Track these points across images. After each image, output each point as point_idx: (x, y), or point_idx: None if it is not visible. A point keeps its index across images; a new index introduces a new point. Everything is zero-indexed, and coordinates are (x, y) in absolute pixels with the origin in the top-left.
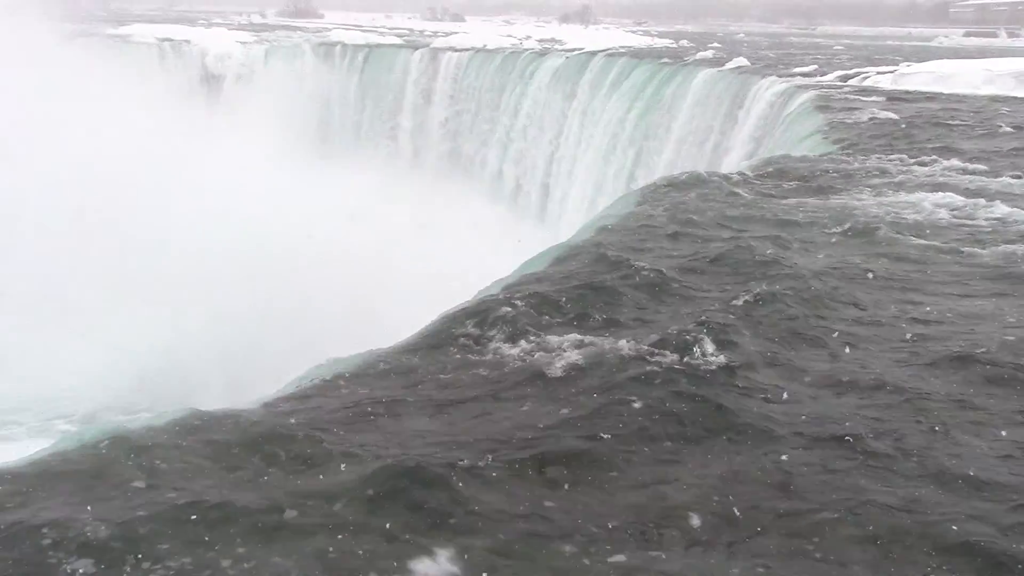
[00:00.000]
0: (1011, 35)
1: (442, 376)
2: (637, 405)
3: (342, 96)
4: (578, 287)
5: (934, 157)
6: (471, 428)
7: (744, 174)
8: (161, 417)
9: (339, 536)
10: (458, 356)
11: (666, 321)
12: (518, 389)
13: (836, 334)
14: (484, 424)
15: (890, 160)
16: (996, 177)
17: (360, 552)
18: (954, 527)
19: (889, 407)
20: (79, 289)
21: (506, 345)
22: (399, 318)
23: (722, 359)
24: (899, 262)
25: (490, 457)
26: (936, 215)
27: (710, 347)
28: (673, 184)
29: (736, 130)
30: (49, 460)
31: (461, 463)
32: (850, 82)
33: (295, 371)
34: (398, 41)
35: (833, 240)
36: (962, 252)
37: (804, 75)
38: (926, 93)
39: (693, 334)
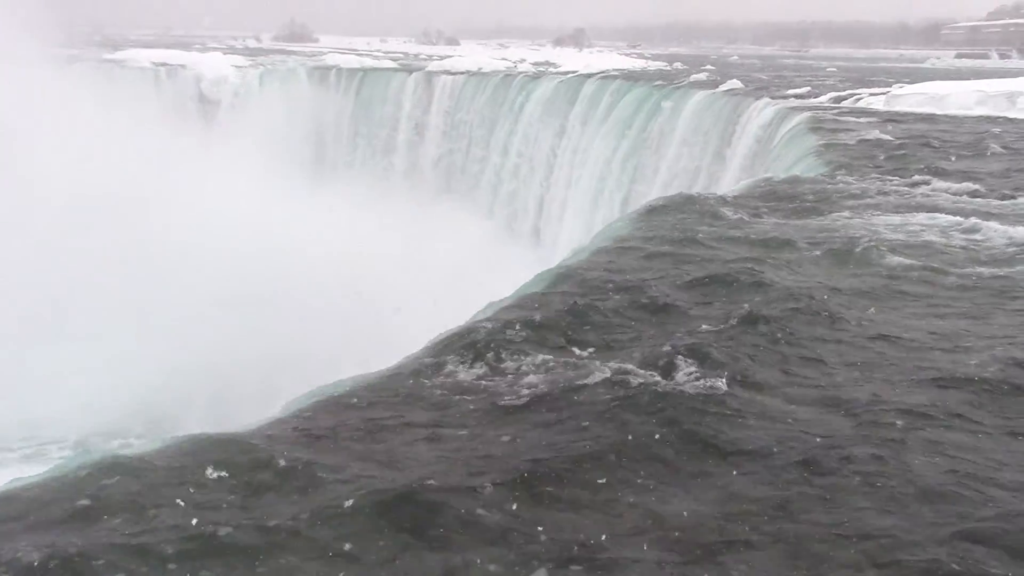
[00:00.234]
0: (1003, 56)
1: (435, 400)
2: (630, 427)
3: (337, 120)
4: (571, 310)
5: (927, 178)
6: (464, 451)
7: (737, 195)
8: (154, 443)
9: (333, 560)
10: (451, 380)
11: (658, 343)
12: (511, 412)
13: (828, 354)
14: (477, 447)
15: (883, 181)
16: (988, 198)
17: None
18: (948, 546)
19: (881, 426)
20: (73, 312)
21: (499, 368)
22: (391, 342)
23: (715, 380)
24: (891, 282)
25: (483, 480)
26: (929, 236)
27: (702, 369)
28: (666, 205)
29: (730, 152)
30: (44, 486)
31: (454, 486)
32: (843, 103)
33: (288, 395)
34: (393, 65)
35: (826, 261)
36: (955, 272)
37: (797, 97)
38: (919, 114)
39: (685, 355)
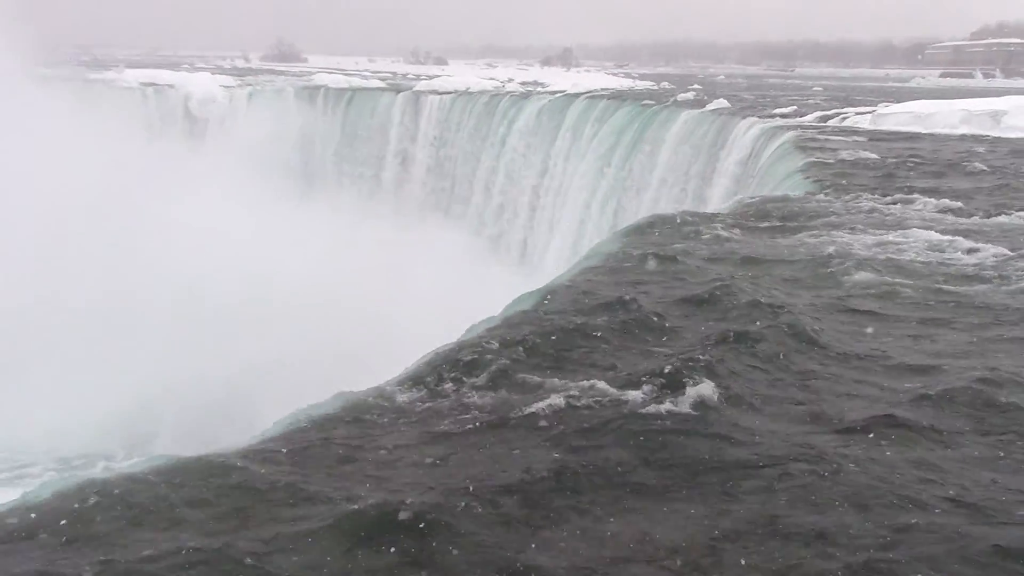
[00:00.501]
0: (986, 76)
1: (420, 420)
2: (615, 447)
3: (325, 139)
4: (561, 328)
5: (912, 197)
6: (449, 472)
7: (725, 214)
8: (137, 465)
9: None
10: (436, 400)
11: (648, 361)
12: (500, 431)
13: (814, 373)
14: (462, 468)
15: (869, 200)
16: (973, 217)
17: None
18: (943, 566)
19: (872, 444)
20: (54, 332)
21: (488, 387)
22: (380, 360)
23: (704, 399)
24: (878, 300)
25: (468, 501)
26: (915, 254)
27: (692, 387)
28: (654, 224)
29: (717, 171)
30: (23, 509)
31: (438, 507)
32: (829, 123)
33: (274, 414)
34: (381, 85)
35: (812, 280)
36: (941, 290)
37: (784, 116)
38: (904, 133)
39: (675, 374)
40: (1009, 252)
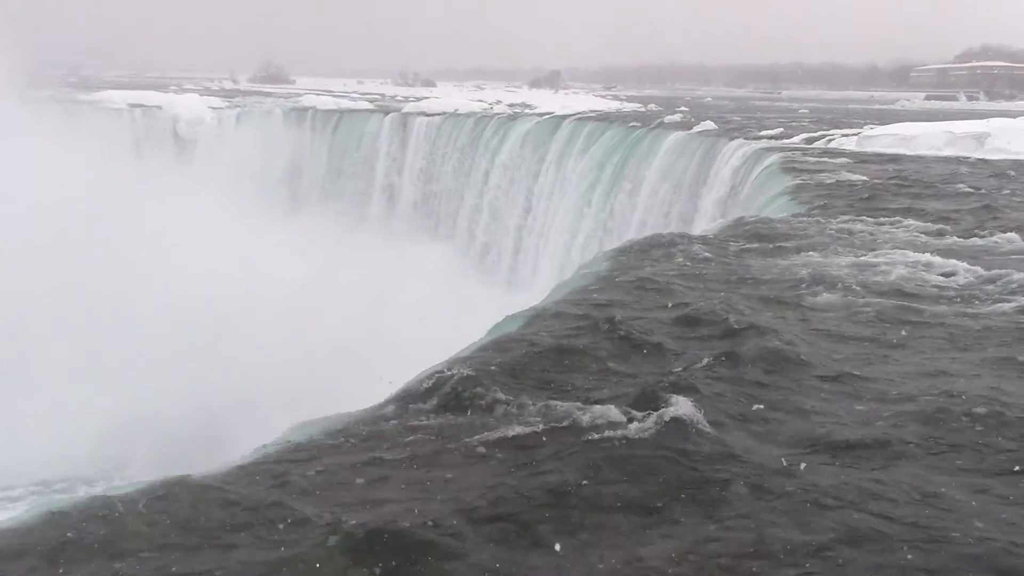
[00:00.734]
0: (970, 98)
1: (408, 442)
2: (605, 470)
3: (313, 160)
4: (549, 350)
5: (898, 218)
6: (437, 494)
7: (712, 235)
8: (121, 488)
9: None
10: (424, 421)
11: (635, 383)
12: (486, 454)
13: (803, 394)
14: (451, 490)
15: (855, 221)
16: (957, 237)
17: None
18: None
19: (857, 465)
20: (44, 351)
21: (472, 410)
22: (367, 381)
23: (690, 420)
24: (864, 321)
25: (457, 523)
26: (900, 275)
27: (680, 409)
28: (642, 245)
29: (705, 192)
30: (13, 531)
31: (426, 530)
32: (815, 144)
33: (263, 435)
34: (369, 106)
35: (799, 300)
36: (926, 311)
37: (770, 138)
38: (890, 155)
39: (662, 396)
40: (990, 273)
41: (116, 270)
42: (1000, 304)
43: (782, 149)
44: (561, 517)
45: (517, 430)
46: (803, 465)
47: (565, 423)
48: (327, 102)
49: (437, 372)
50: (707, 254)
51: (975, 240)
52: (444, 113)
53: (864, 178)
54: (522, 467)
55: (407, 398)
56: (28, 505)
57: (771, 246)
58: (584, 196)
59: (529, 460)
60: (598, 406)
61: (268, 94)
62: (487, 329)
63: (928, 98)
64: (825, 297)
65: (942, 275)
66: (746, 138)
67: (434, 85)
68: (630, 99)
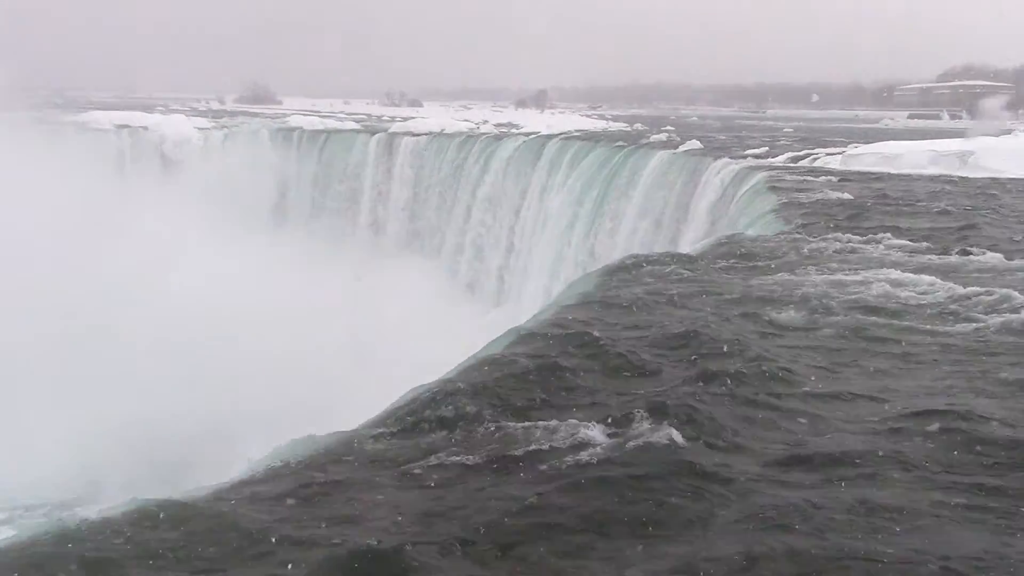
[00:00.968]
0: (953, 117)
1: (396, 461)
2: (592, 488)
3: (299, 180)
4: (536, 369)
5: (883, 236)
6: (426, 514)
7: (698, 254)
8: (111, 508)
9: None
10: (412, 441)
11: (620, 403)
12: (476, 474)
13: (788, 411)
14: (440, 510)
15: (840, 239)
16: (940, 255)
17: None
18: None
19: (848, 484)
20: (25, 371)
21: (463, 429)
22: (354, 401)
23: (678, 439)
24: (850, 339)
25: (448, 543)
26: (885, 293)
27: (664, 428)
28: (628, 264)
29: (691, 210)
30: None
31: (416, 549)
32: (801, 163)
33: (245, 457)
34: (356, 126)
35: (785, 318)
36: (913, 329)
37: (756, 156)
38: (874, 173)
39: (647, 415)
40: (970, 290)
41: (99, 290)
42: (979, 322)
43: (768, 168)
44: (544, 537)
45: (500, 450)
46: (786, 482)
47: (548, 443)
48: (314, 122)
49: (425, 392)
50: (693, 272)
51: (956, 258)
52: (431, 133)
53: (849, 196)
54: (505, 487)
55: (396, 418)
56: (9, 530)
57: (757, 264)
58: (571, 217)
59: (512, 480)
60: (581, 426)
61: (255, 114)
62: (477, 348)
63: (912, 117)
64: (811, 315)
65: (923, 293)
66: (732, 157)
67: (420, 105)
68: (616, 118)
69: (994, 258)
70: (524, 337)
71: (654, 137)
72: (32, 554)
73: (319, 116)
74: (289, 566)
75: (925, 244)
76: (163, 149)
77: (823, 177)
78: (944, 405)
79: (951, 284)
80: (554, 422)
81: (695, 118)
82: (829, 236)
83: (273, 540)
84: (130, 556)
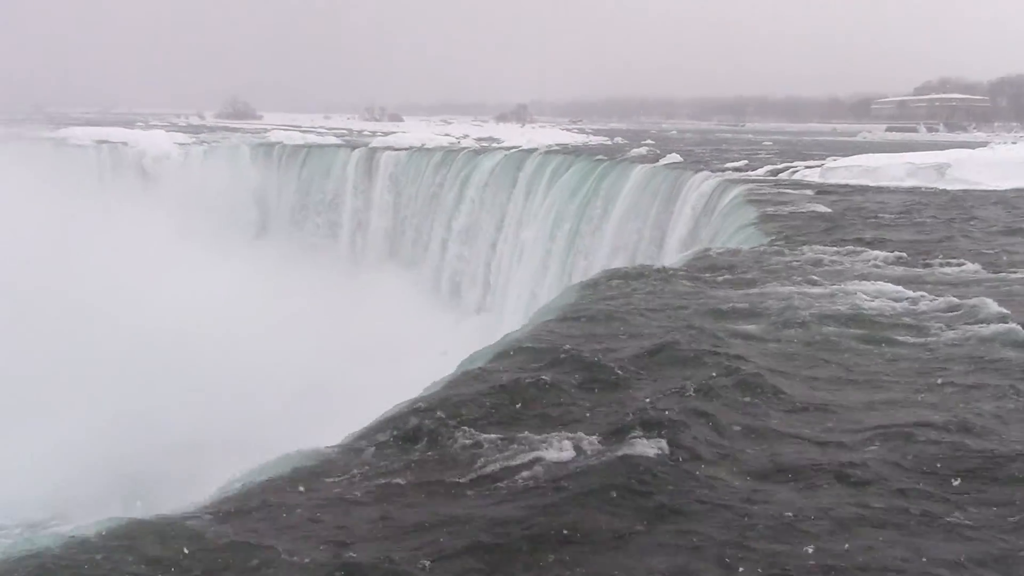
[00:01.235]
0: (930, 130)
1: (379, 477)
2: (578, 501)
3: (280, 195)
4: (519, 382)
5: (862, 248)
6: (411, 529)
7: (678, 267)
8: (89, 527)
9: None
10: (395, 457)
11: (606, 415)
12: (459, 488)
13: (770, 423)
14: (424, 524)
15: (820, 251)
16: (918, 267)
17: None
18: None
19: (830, 495)
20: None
21: (445, 444)
22: (338, 417)
23: (663, 451)
24: (831, 351)
25: (432, 558)
26: (865, 304)
27: (650, 440)
28: (611, 277)
29: (671, 224)
30: None
31: (402, 565)
32: (780, 176)
33: (226, 473)
34: (337, 141)
35: (765, 330)
36: (892, 340)
37: (735, 170)
38: (853, 186)
39: (630, 427)
40: (948, 301)
41: (77, 306)
42: (958, 332)
43: (747, 181)
44: (531, 550)
45: (486, 464)
46: (772, 493)
47: (533, 456)
48: (294, 137)
49: (407, 406)
50: (673, 286)
51: (934, 269)
52: (412, 147)
53: (827, 209)
54: (493, 501)
55: (377, 434)
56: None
57: (737, 277)
58: (552, 231)
59: (498, 494)
60: (566, 439)
61: (235, 130)
62: (458, 362)
63: (889, 130)
64: (792, 327)
65: (902, 303)
66: (712, 170)
67: (401, 120)
68: (596, 132)
69: (973, 268)
70: (505, 351)
71: (634, 151)
72: (2, 573)
73: (299, 131)
74: None
75: (904, 255)
76: (143, 164)
77: (802, 190)
78: (921, 416)
79: (930, 294)
80: (537, 435)
81: (675, 132)
82: (808, 248)
83: (254, 559)
84: (109, 574)
